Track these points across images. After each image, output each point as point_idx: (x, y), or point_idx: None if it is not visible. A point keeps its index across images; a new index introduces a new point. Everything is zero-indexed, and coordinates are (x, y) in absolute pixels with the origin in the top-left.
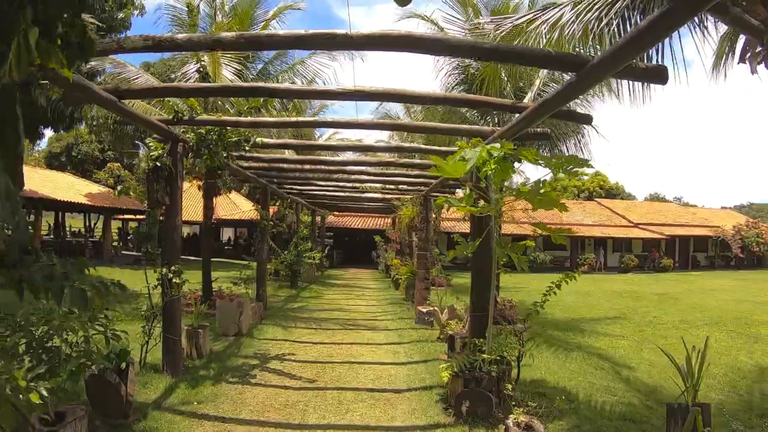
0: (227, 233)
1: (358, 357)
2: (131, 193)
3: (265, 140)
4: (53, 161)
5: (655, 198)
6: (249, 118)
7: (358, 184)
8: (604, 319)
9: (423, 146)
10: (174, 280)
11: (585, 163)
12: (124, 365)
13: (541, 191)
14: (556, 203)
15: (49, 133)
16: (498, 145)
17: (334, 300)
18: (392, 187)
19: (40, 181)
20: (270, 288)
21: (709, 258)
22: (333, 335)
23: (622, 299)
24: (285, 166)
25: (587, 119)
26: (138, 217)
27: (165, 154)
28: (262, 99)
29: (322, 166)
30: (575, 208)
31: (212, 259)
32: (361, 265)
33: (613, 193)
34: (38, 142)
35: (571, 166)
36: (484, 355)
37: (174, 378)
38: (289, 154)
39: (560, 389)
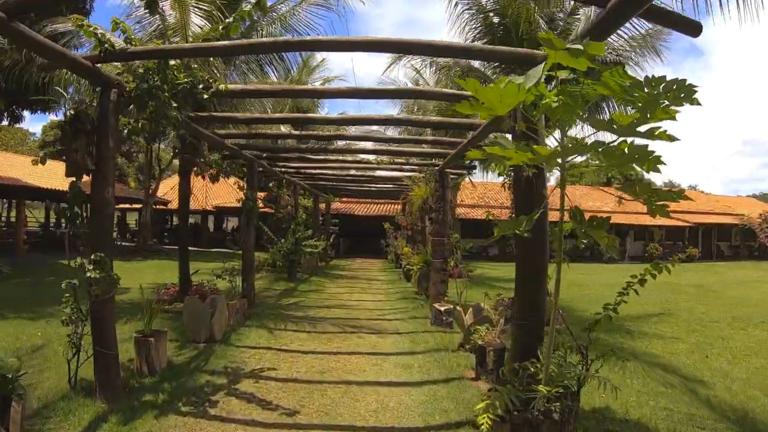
0: (231, 222)
1: (359, 373)
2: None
3: (234, 86)
4: (47, 150)
5: (670, 186)
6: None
7: (364, 165)
8: (648, 317)
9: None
10: (93, 275)
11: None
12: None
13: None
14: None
15: (27, 115)
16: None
17: (336, 294)
18: (402, 160)
19: (23, 168)
20: (265, 281)
21: (733, 247)
22: (330, 341)
23: (658, 292)
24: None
25: (695, 27)
26: (135, 206)
27: (92, 103)
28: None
29: (323, 144)
30: (595, 193)
31: (213, 249)
32: (369, 254)
33: (633, 179)
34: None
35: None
36: (541, 387)
37: (108, 405)
38: (285, 129)
39: (633, 423)
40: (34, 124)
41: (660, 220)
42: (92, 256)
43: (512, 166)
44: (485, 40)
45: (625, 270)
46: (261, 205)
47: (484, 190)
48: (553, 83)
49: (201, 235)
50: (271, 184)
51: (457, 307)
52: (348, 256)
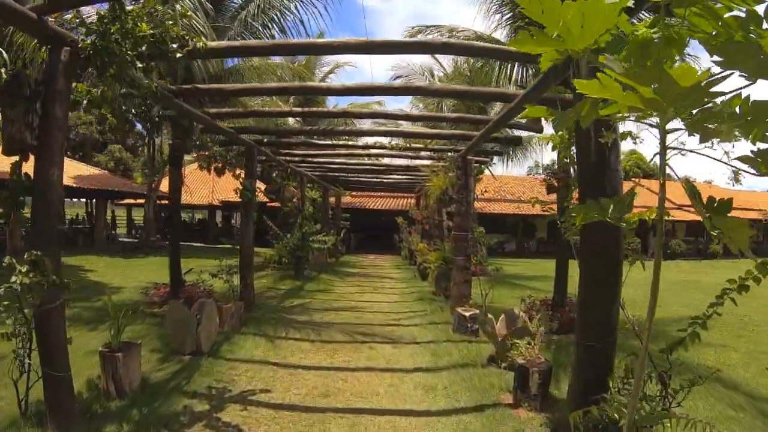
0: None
1: (371, 397)
2: None
3: (217, 44)
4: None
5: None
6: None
7: (377, 150)
8: (686, 321)
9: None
10: (23, 279)
11: None
12: None
13: None
14: None
15: None
16: None
17: (346, 294)
18: (419, 145)
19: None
20: (269, 279)
21: (756, 243)
22: (337, 352)
23: (689, 292)
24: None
25: None
26: (140, 201)
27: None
28: None
29: (330, 125)
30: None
31: (220, 246)
32: (382, 250)
33: (651, 174)
34: None
35: None
36: None
37: None
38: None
39: None
40: None
41: (680, 215)
42: (26, 255)
43: (578, 132)
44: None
45: (647, 267)
46: (263, 196)
47: (499, 183)
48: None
49: (208, 231)
50: (274, 174)
51: (490, 316)
52: (359, 251)
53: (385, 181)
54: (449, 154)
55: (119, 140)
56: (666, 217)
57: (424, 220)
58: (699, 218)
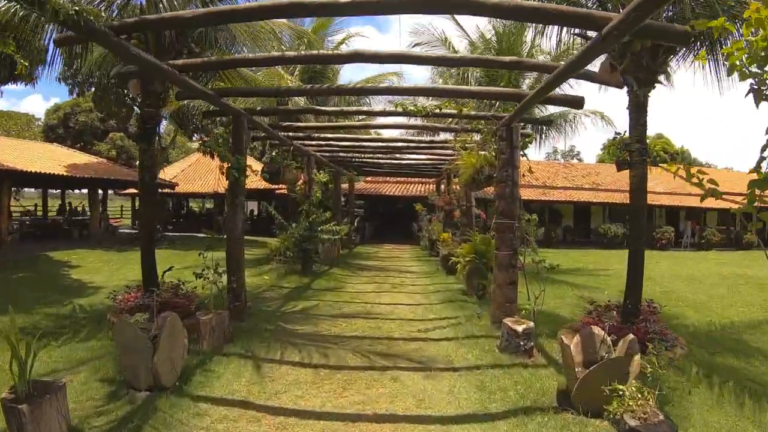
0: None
1: None
2: None
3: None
4: (50, 134)
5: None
6: None
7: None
8: (743, 325)
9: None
10: None
11: None
12: None
13: None
14: None
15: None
16: None
17: (360, 294)
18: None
19: (10, 151)
20: (273, 275)
21: None
22: (348, 388)
23: (744, 288)
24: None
25: None
26: (131, 190)
27: None
28: None
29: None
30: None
31: (225, 236)
32: (399, 239)
33: (678, 158)
34: None
35: None
36: None
37: None
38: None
39: None
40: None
41: (712, 203)
42: None
43: None
44: None
45: (684, 258)
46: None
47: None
48: None
49: (215, 221)
50: (274, 153)
51: (564, 337)
52: (374, 241)
53: (403, 162)
54: (485, 124)
55: (120, 128)
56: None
57: (447, 206)
58: (732, 206)
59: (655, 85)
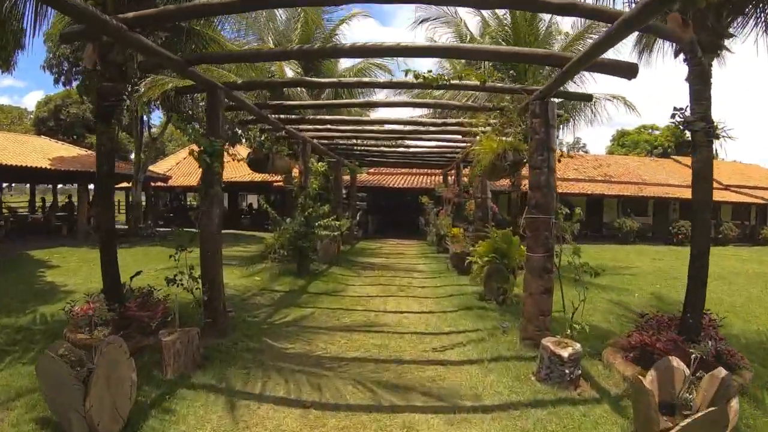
0: (245, 200)
1: None
2: None
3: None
4: (41, 127)
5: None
6: None
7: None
8: None
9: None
10: None
11: None
12: None
13: None
14: None
15: None
16: None
17: (363, 299)
18: (472, 83)
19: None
20: (265, 276)
21: None
22: None
23: None
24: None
25: None
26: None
27: None
28: None
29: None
30: (654, 165)
31: (227, 231)
32: (404, 234)
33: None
34: None
35: None
36: None
37: None
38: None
39: None
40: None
41: (728, 195)
42: None
43: None
44: None
45: (721, 255)
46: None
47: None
48: None
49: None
50: (263, 138)
51: (643, 379)
52: (378, 236)
53: (409, 151)
54: (512, 99)
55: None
56: None
57: (457, 199)
58: (746, 200)
59: (720, 52)
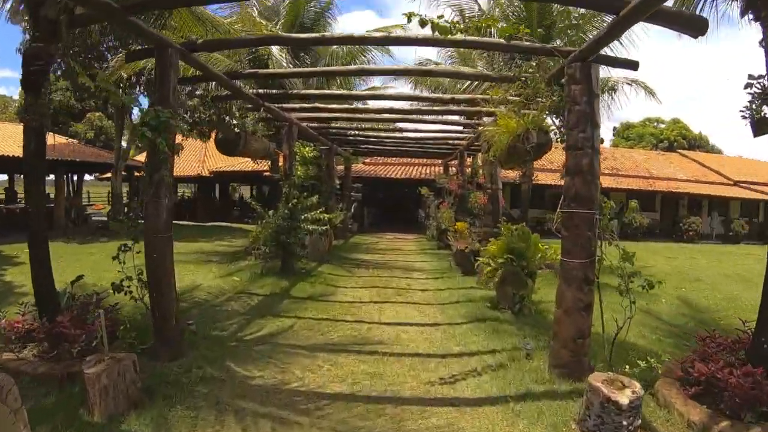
0: (234, 192)
1: None
2: None
3: None
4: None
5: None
6: None
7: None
8: None
9: None
10: None
11: None
12: None
13: None
14: None
15: None
16: None
17: (353, 307)
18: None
19: None
20: (244, 276)
21: None
22: None
23: None
24: None
25: None
26: (106, 175)
27: None
28: None
29: None
30: (661, 159)
31: (215, 224)
32: (402, 227)
33: (696, 144)
34: None
35: None
36: None
37: None
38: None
39: None
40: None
41: (737, 192)
42: None
43: None
44: None
45: (717, 252)
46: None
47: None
48: None
49: (198, 207)
50: (238, 113)
51: None
52: (374, 230)
53: (409, 137)
54: (537, 61)
55: (99, 107)
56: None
57: (460, 190)
58: (755, 197)
59: None
